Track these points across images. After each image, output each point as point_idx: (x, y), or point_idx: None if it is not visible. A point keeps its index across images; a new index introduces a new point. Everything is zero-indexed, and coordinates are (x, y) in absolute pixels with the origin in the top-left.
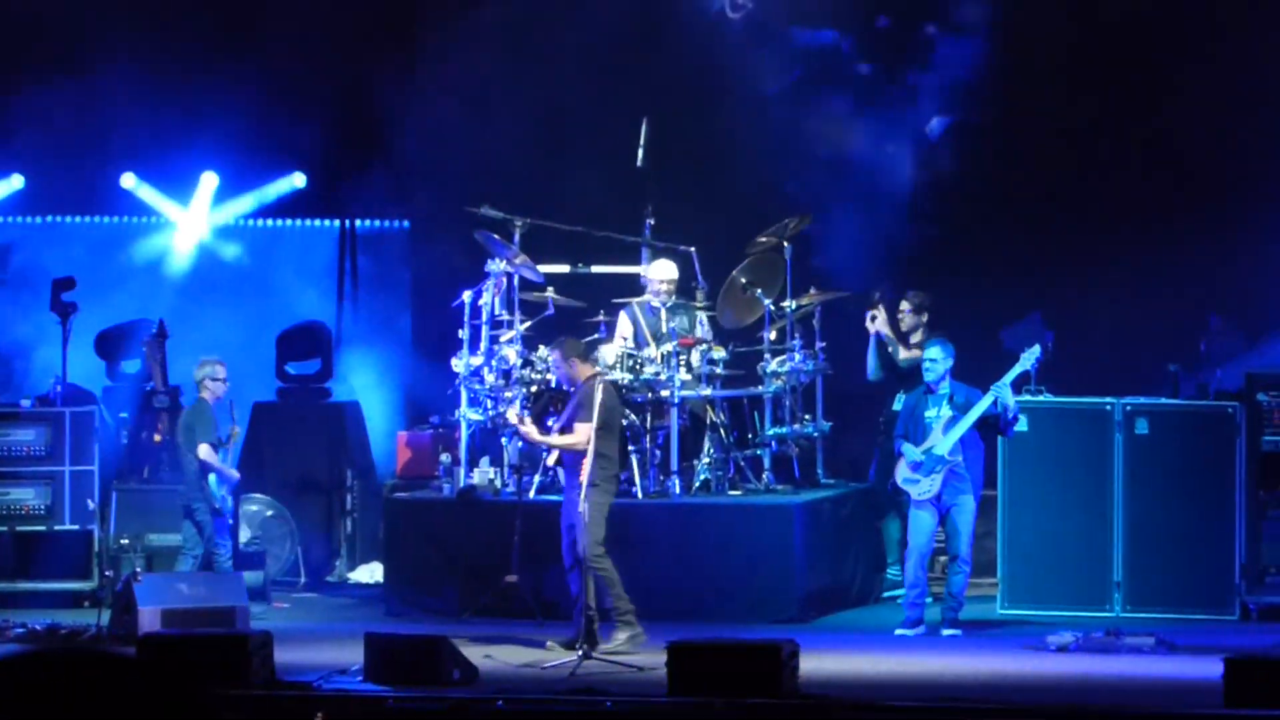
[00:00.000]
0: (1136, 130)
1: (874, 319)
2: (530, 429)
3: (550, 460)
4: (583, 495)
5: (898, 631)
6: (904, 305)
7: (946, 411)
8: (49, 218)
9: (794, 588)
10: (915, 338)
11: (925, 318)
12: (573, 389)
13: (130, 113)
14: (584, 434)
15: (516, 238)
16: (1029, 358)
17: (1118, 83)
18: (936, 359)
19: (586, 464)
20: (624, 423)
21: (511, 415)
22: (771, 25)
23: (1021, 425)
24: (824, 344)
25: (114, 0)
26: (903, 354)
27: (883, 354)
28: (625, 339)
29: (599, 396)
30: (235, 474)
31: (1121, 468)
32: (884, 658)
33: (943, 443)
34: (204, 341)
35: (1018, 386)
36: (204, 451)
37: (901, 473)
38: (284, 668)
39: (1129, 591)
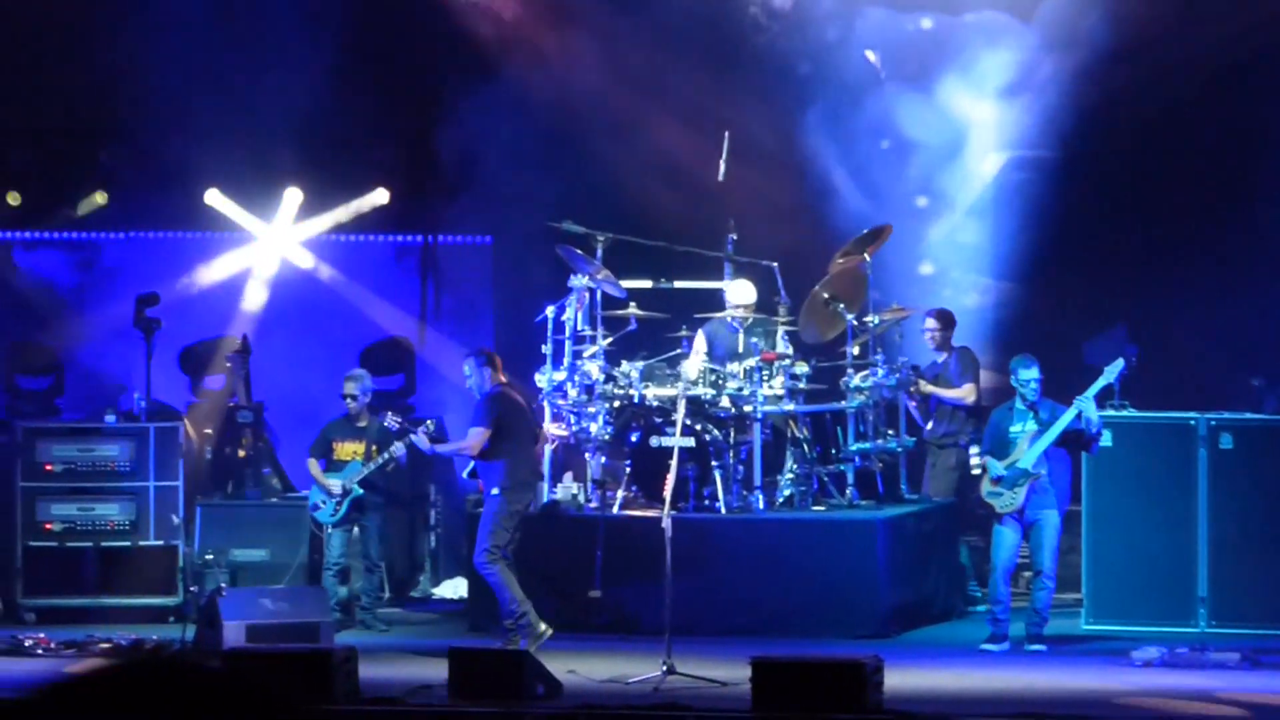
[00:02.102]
0: (1219, 142)
1: (914, 391)
2: (423, 437)
3: (465, 473)
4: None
5: (982, 646)
6: (930, 323)
7: (1031, 426)
8: (133, 233)
9: (877, 603)
10: (944, 356)
11: (951, 332)
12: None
13: (214, 128)
14: (474, 440)
15: (599, 253)
16: (1112, 371)
17: (1201, 100)
18: (1037, 378)
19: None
20: (535, 430)
21: (392, 419)
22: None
23: (1105, 440)
24: (905, 359)
25: (194, 18)
26: (948, 393)
27: (924, 412)
28: (703, 354)
29: (491, 405)
30: (329, 486)
31: (1205, 483)
32: (968, 673)
33: (1026, 456)
34: (287, 358)
35: (1101, 401)
36: (309, 463)
37: (985, 486)
38: (368, 683)
39: (1214, 607)
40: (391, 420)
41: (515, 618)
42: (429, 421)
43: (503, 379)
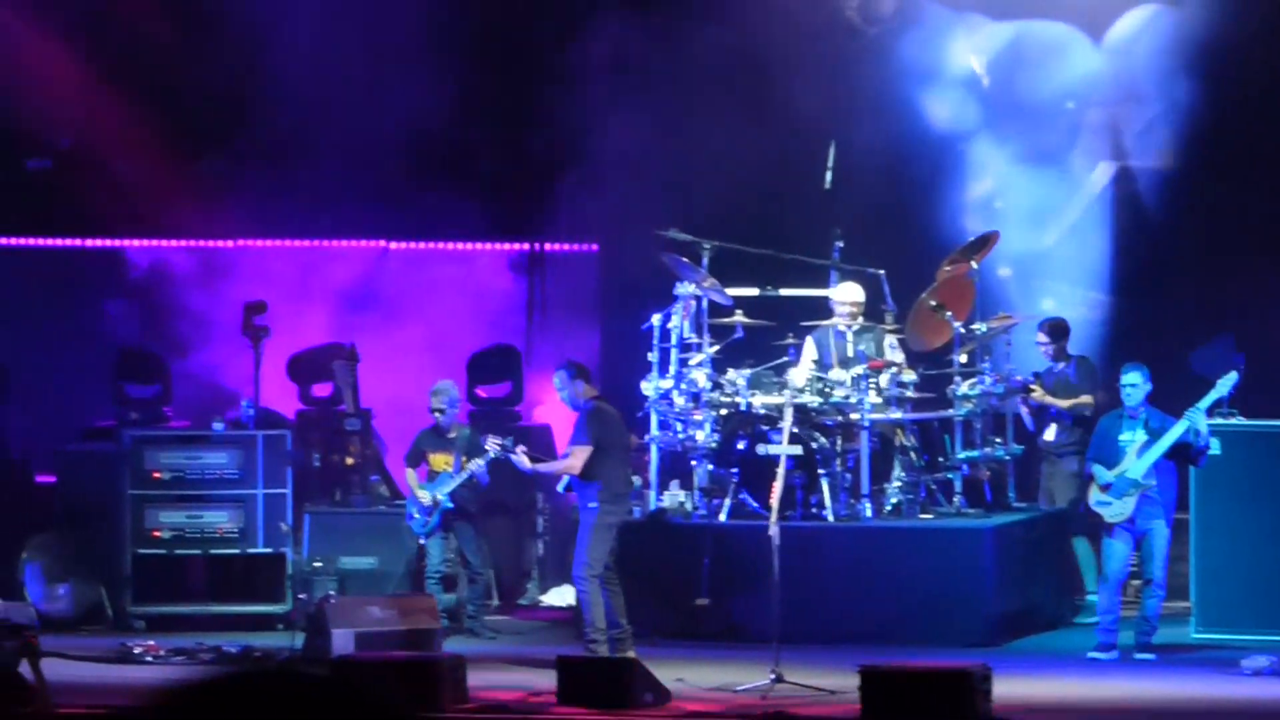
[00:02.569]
0: None
1: (1031, 391)
2: (521, 457)
3: (560, 487)
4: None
5: (1090, 655)
6: (1041, 337)
7: (1141, 435)
8: (242, 240)
9: (985, 611)
10: (1062, 364)
11: (1064, 342)
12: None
13: (330, 136)
14: (577, 458)
15: (705, 261)
16: (1225, 384)
17: None
18: (1136, 384)
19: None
20: (630, 444)
21: (492, 444)
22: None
23: (1214, 449)
24: (1013, 367)
25: (316, 29)
26: (1065, 403)
27: (1038, 420)
28: (811, 362)
29: (593, 420)
30: (420, 498)
31: None
32: (1076, 682)
33: (1136, 466)
34: (396, 366)
35: (1210, 411)
36: (406, 473)
37: (1094, 495)
38: (477, 690)
39: None
40: (492, 445)
41: (588, 640)
42: (521, 449)
43: (594, 391)
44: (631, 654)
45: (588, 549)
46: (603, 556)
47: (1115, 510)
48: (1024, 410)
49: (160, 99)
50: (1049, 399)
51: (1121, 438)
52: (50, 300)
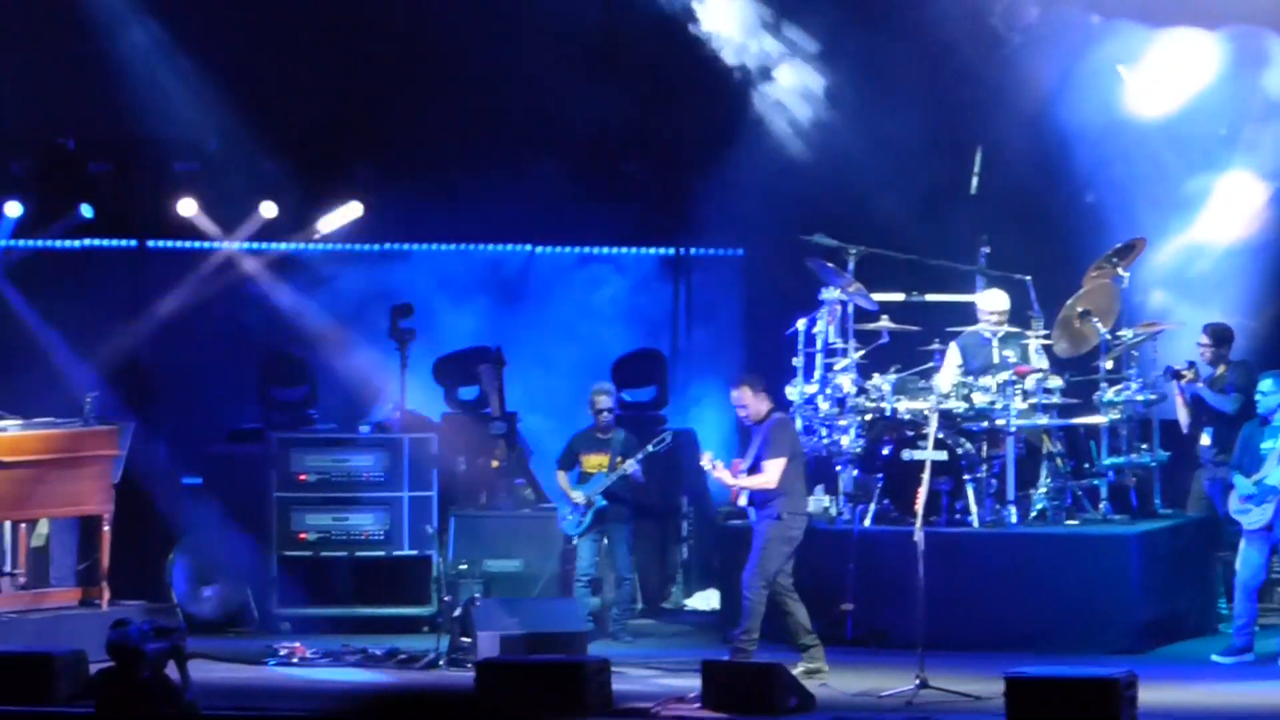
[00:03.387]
0: None
1: (1182, 377)
2: (723, 473)
3: (742, 501)
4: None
5: (1214, 657)
6: (1203, 339)
7: None
8: (387, 245)
9: (1130, 618)
10: (1220, 370)
11: (1226, 349)
12: (754, 425)
13: (467, 137)
14: (775, 472)
15: (850, 266)
16: None
17: None
18: (1268, 391)
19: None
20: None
21: (705, 461)
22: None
23: None
24: (1158, 373)
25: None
26: (1216, 397)
27: (1195, 409)
28: (957, 367)
29: (783, 433)
30: (574, 498)
31: None
32: (1222, 689)
33: (1275, 473)
34: (541, 369)
35: None
36: (558, 475)
37: (1233, 503)
38: (621, 695)
39: None
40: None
41: (737, 644)
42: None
43: (772, 404)
44: (823, 666)
45: (764, 559)
46: (778, 568)
47: (1254, 517)
48: (1177, 397)
49: (310, 100)
50: (1202, 387)
51: (1263, 445)
52: (197, 303)
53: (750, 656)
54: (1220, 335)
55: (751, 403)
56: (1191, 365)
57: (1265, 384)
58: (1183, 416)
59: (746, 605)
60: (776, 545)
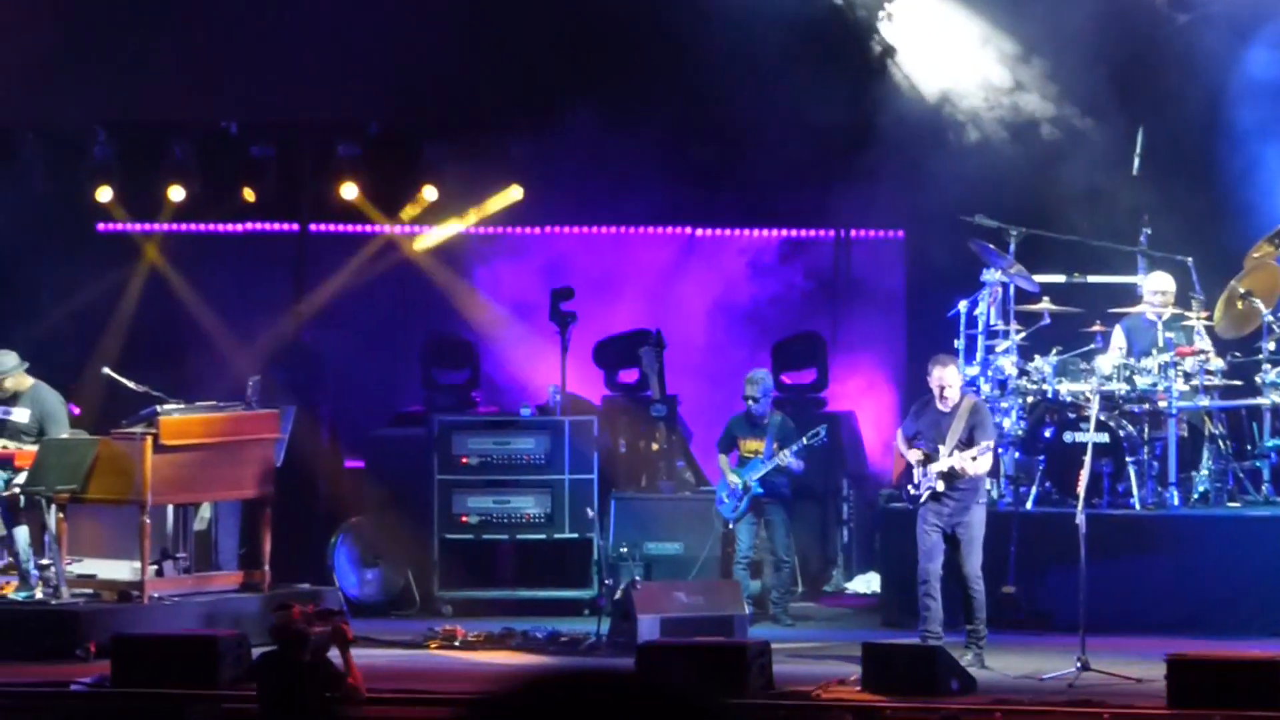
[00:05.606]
0: None
1: None
2: (949, 460)
3: (939, 486)
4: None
5: None
6: None
7: None
8: (548, 227)
9: None
10: None
11: None
12: (946, 405)
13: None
14: (991, 455)
15: (1012, 247)
16: None
17: None
18: None
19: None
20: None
21: (914, 456)
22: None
23: None
24: None
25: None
26: None
27: None
28: (1120, 349)
29: (989, 416)
30: (731, 480)
31: None
32: None
33: None
34: (702, 352)
35: None
36: (719, 458)
37: None
38: (782, 677)
39: None
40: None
41: (979, 636)
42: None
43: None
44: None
45: (980, 546)
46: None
47: None
48: None
49: (473, 82)
50: None
51: None
52: (361, 286)
53: (982, 649)
54: None
55: (956, 382)
56: None
57: None
58: None
59: (980, 597)
60: (984, 529)
